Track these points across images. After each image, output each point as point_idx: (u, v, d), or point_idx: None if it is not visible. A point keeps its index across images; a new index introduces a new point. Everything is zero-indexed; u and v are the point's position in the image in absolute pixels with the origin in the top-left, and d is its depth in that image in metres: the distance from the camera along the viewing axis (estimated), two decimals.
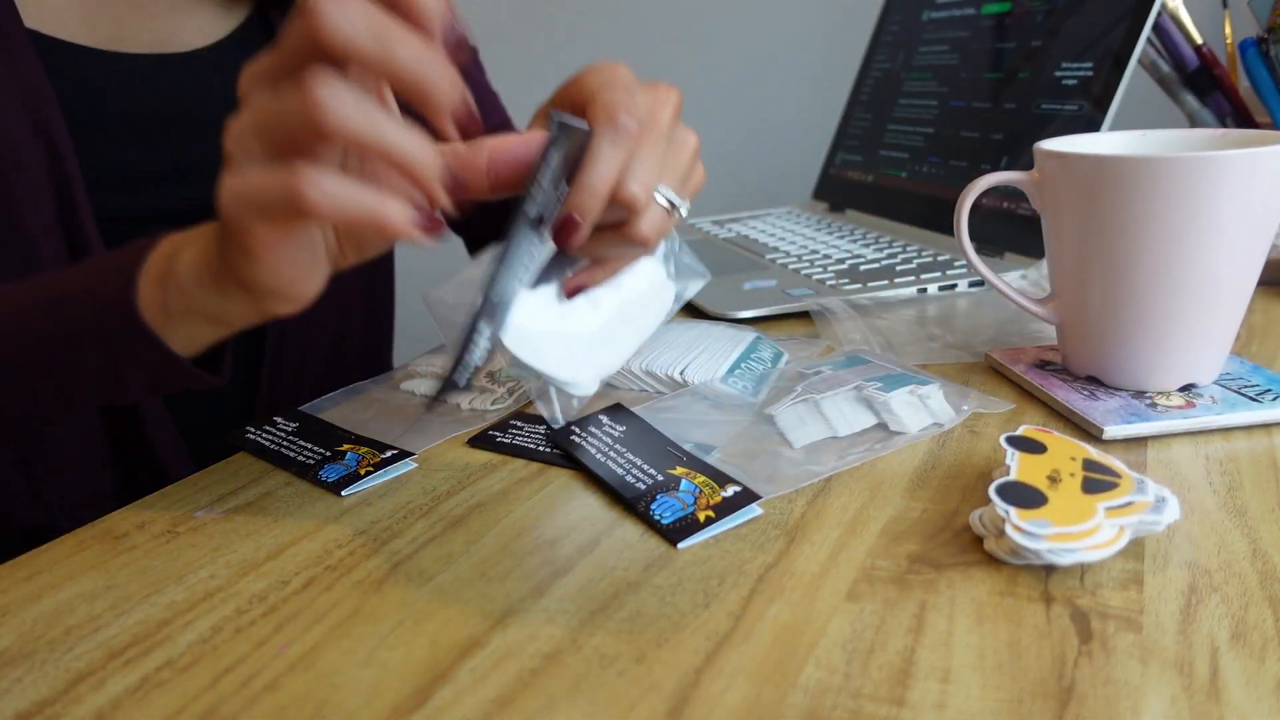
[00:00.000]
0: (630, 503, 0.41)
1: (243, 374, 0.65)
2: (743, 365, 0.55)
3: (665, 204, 0.42)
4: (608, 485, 0.43)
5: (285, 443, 0.49)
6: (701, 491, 0.41)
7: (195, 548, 0.40)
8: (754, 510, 0.40)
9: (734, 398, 0.51)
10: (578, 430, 0.48)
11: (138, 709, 0.30)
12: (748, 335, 0.59)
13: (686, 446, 0.45)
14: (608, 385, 0.56)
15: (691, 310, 0.68)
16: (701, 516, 0.39)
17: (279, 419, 0.53)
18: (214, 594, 0.37)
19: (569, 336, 0.44)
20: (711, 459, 0.44)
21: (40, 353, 0.42)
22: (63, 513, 0.58)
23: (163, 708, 0.30)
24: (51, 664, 0.33)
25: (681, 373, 0.53)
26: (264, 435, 0.51)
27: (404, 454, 0.47)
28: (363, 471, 0.45)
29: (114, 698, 0.31)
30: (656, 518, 0.39)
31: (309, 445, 0.49)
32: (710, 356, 0.55)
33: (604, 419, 0.49)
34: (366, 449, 0.48)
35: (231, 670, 0.32)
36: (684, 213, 0.43)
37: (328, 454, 0.47)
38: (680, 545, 0.38)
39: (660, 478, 0.42)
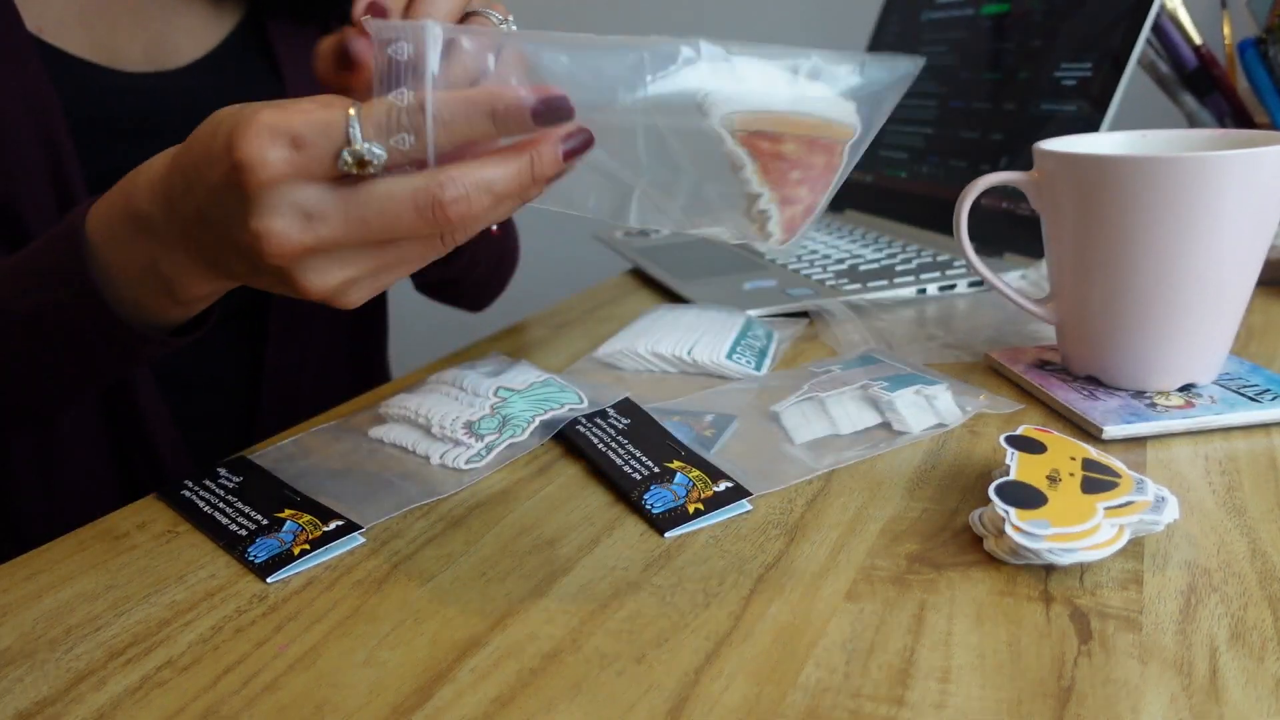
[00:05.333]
0: (624, 491, 0.41)
1: (247, 370, 0.65)
2: (743, 343, 0.59)
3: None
4: (607, 482, 0.43)
5: (221, 503, 0.43)
6: (694, 485, 0.41)
7: (195, 548, 0.40)
8: (743, 506, 0.40)
9: (742, 371, 0.56)
10: (583, 422, 0.48)
11: (138, 708, 0.30)
12: (739, 317, 0.63)
13: (708, 419, 0.48)
14: (614, 370, 0.58)
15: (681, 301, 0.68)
16: (691, 508, 0.40)
17: (222, 471, 0.46)
18: (214, 594, 0.37)
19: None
20: (714, 451, 0.45)
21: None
22: (66, 510, 0.58)
23: (163, 708, 0.30)
24: (52, 664, 0.33)
25: (689, 352, 0.57)
26: (200, 493, 0.44)
27: (351, 526, 0.40)
28: (297, 550, 0.38)
29: (114, 697, 0.31)
30: (648, 507, 0.40)
31: (246, 509, 0.42)
32: (713, 337, 0.59)
33: (611, 412, 0.49)
34: (309, 517, 0.41)
35: (231, 670, 0.32)
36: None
37: (264, 522, 0.41)
38: (667, 534, 0.38)
39: (656, 470, 0.43)
